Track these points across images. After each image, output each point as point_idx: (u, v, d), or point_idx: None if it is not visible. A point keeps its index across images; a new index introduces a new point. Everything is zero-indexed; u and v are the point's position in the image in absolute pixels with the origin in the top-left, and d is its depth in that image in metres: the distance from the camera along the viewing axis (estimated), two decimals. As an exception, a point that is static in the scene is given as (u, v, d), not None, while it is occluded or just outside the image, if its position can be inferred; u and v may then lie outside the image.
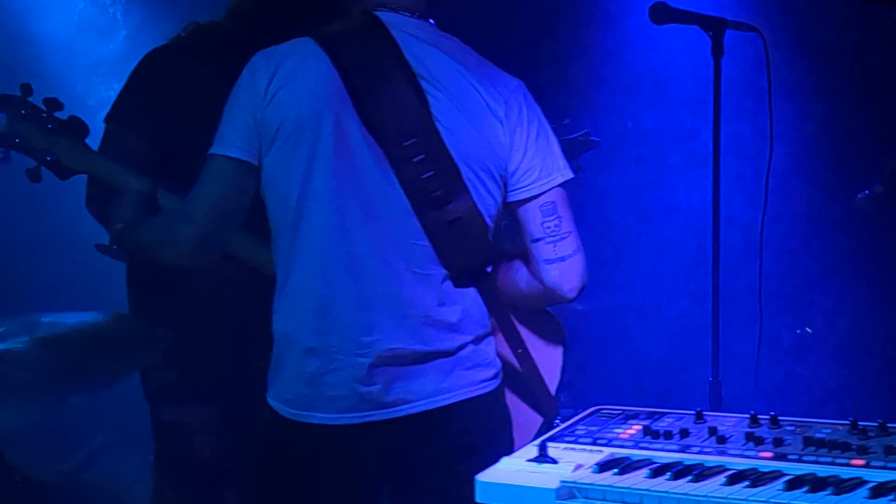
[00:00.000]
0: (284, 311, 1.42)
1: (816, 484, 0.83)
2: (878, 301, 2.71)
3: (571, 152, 2.14)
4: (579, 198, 2.37)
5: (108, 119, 1.90)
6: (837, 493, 0.81)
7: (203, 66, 1.83)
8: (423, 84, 1.38)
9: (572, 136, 2.38)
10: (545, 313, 1.64)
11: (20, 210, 2.02)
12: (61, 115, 1.63)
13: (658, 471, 0.91)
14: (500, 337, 1.53)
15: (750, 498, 0.82)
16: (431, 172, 1.36)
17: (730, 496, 0.83)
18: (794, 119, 2.50)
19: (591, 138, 2.40)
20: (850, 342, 2.69)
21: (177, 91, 1.85)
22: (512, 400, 1.55)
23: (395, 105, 1.38)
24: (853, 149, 2.71)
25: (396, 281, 1.38)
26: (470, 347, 1.41)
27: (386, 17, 1.42)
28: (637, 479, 0.91)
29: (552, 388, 1.60)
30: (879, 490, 0.81)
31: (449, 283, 1.40)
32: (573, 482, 0.93)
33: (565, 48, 2.88)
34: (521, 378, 1.55)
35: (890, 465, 0.87)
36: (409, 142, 1.36)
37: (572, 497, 0.93)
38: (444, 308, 1.39)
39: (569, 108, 2.68)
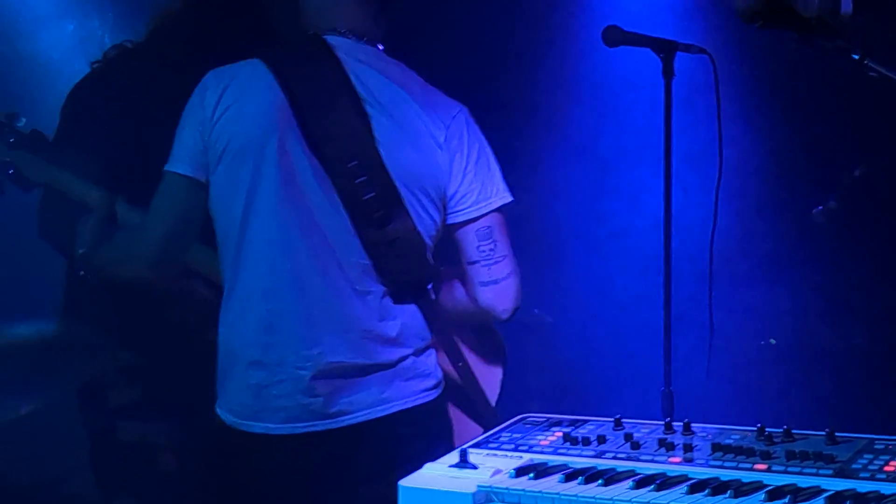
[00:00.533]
0: (229, 325, 1.47)
1: (718, 488, 0.86)
2: (830, 311, 2.78)
3: None
4: (536, 210, 2.52)
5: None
6: (736, 496, 0.85)
7: (130, 87, 1.88)
8: (367, 108, 1.43)
9: None
10: (487, 329, 1.70)
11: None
12: (23, 128, 1.68)
13: (571, 475, 0.94)
14: (442, 351, 1.58)
15: (653, 501, 0.85)
16: (372, 194, 1.41)
17: (635, 499, 0.86)
18: (745, 135, 2.57)
19: None
20: (803, 351, 2.78)
21: (108, 116, 1.89)
22: (453, 411, 1.60)
23: (338, 127, 1.43)
24: (805, 165, 2.80)
25: (338, 297, 1.43)
26: (410, 359, 1.46)
27: (334, 40, 1.47)
28: (551, 484, 0.93)
29: (492, 399, 1.67)
30: (776, 493, 0.84)
31: (389, 300, 1.45)
32: (489, 486, 0.94)
33: (521, 66, 2.93)
34: (462, 390, 1.62)
35: (790, 469, 0.91)
36: (351, 164, 1.41)
37: (489, 501, 0.95)
38: (384, 323, 1.44)
39: (526, 124, 2.75)
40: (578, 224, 2.92)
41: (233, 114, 1.42)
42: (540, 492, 0.91)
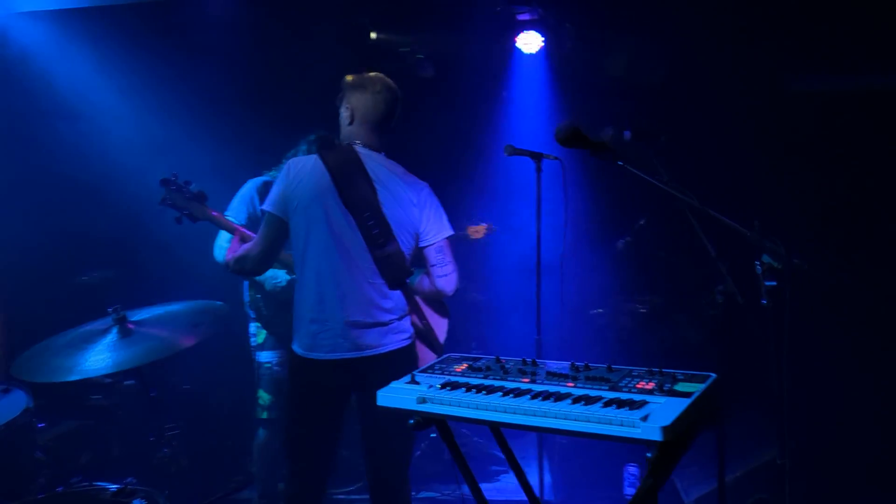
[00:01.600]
0: (299, 299, 2.44)
1: (546, 395, 1.63)
2: (626, 293, 4.34)
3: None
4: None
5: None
6: (555, 401, 1.59)
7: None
8: (375, 185, 2.40)
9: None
10: (440, 302, 2.74)
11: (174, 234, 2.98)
12: (194, 188, 2.74)
13: (468, 388, 1.69)
14: (414, 315, 2.58)
15: (509, 402, 1.60)
16: (377, 231, 2.37)
17: (501, 403, 1.61)
18: (580, 199, 3.75)
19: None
20: (616, 317, 4.33)
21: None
22: (420, 347, 2.62)
23: (359, 194, 2.37)
24: (614, 214, 4.34)
25: (358, 285, 2.40)
26: (395, 322, 2.46)
27: (358, 148, 2.44)
28: (457, 393, 1.68)
29: (441, 339, 2.74)
30: (578, 399, 1.59)
31: (386, 287, 2.42)
32: (423, 394, 1.70)
33: (464, 161, 4.46)
34: (424, 334, 2.65)
35: (587, 387, 1.67)
36: (366, 214, 2.36)
37: (423, 402, 1.70)
38: (383, 300, 2.42)
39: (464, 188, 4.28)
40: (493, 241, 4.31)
41: (301, 184, 2.37)
42: (450, 397, 1.67)
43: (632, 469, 3.17)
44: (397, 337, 2.45)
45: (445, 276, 2.48)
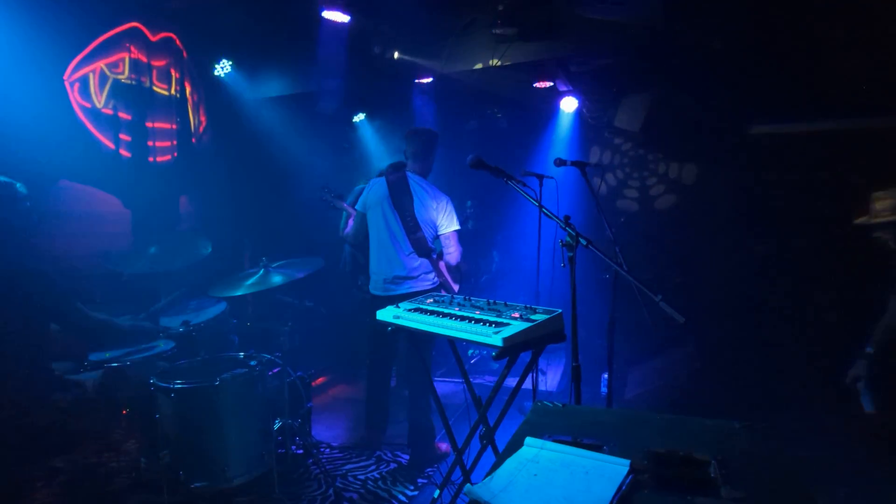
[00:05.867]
0: (371, 261, 4.17)
1: (455, 318, 2.87)
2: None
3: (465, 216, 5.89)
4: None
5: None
6: (457, 320, 2.85)
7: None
8: (413, 195, 4.00)
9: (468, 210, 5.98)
10: (455, 268, 4.20)
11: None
12: (336, 190, 4.75)
13: (422, 311, 3.01)
14: (434, 274, 4.12)
15: (433, 319, 2.89)
16: (412, 223, 3.96)
17: (429, 319, 2.90)
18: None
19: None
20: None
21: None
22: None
23: (403, 202, 3.99)
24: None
25: (398, 255, 4.04)
26: (422, 275, 4.04)
27: (407, 173, 4.07)
28: (413, 314, 3.00)
29: (456, 290, 4.21)
30: (469, 319, 2.82)
31: (415, 256, 4.03)
32: (397, 313, 3.04)
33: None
34: (443, 286, 4.18)
35: (484, 314, 2.89)
36: (406, 213, 3.96)
37: (397, 318, 3.04)
38: (415, 265, 4.02)
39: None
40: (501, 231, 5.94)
41: (372, 193, 4.07)
42: (409, 316, 2.99)
43: (605, 375, 4.21)
44: (422, 283, 4.02)
45: (450, 254, 4.03)
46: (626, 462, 1.61)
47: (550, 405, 2.17)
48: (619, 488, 1.52)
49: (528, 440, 1.78)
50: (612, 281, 3.35)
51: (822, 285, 5.42)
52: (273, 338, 3.97)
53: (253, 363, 3.51)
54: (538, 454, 1.72)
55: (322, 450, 4.49)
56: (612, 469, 1.60)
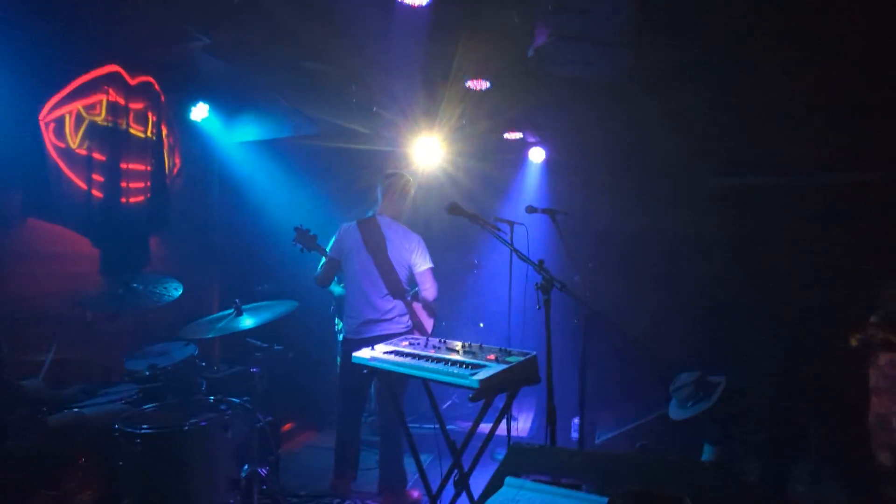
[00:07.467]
0: (346, 305, 4.18)
1: (431, 360, 2.89)
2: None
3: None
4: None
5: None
6: (434, 363, 2.88)
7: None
8: (386, 239, 4.06)
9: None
10: (429, 307, 4.26)
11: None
12: (312, 233, 4.32)
13: (397, 354, 3.01)
14: (408, 316, 4.13)
15: (410, 362, 2.90)
16: (386, 266, 4.00)
17: (405, 362, 2.92)
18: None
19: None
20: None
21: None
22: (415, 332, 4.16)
23: (377, 246, 4.04)
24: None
25: (373, 297, 4.05)
26: (396, 318, 4.04)
27: (378, 216, 4.14)
28: (388, 357, 3.01)
29: (429, 330, 4.27)
30: (446, 362, 2.86)
31: (390, 298, 4.05)
32: (372, 355, 3.05)
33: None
34: (417, 326, 4.19)
35: (461, 357, 2.92)
36: (380, 256, 4.00)
37: (372, 360, 3.05)
38: (389, 307, 4.03)
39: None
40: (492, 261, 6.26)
41: (346, 240, 4.08)
42: (384, 358, 3.00)
43: (575, 420, 4.23)
44: (395, 325, 4.01)
45: (426, 290, 4.05)
46: (604, 500, 1.64)
47: (527, 446, 2.19)
48: (599, 526, 1.54)
49: (509, 480, 1.79)
50: (584, 325, 3.42)
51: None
52: (242, 381, 3.90)
53: (223, 407, 3.44)
54: (518, 494, 1.74)
55: (289, 499, 4.36)
56: (592, 507, 1.63)
